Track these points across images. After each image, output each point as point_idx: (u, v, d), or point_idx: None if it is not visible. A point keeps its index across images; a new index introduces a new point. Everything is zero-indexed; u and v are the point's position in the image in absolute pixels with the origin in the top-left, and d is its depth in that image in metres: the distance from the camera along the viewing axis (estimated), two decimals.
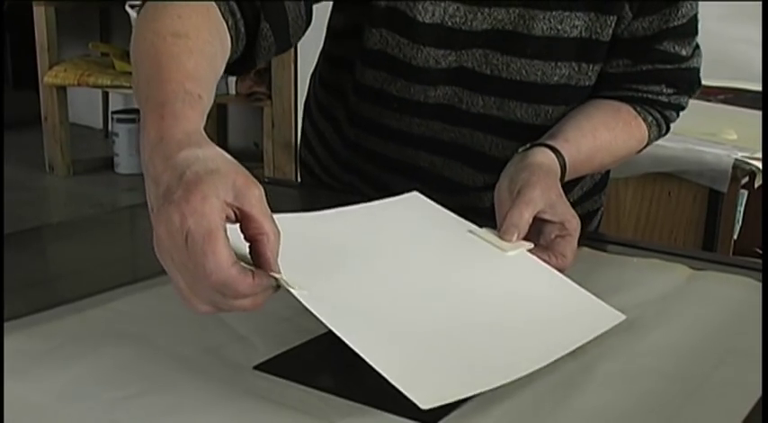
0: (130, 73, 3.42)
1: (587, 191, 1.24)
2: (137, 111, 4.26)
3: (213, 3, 0.87)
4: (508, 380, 0.68)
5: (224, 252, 0.62)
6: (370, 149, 1.19)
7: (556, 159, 1.01)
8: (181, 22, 0.81)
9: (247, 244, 0.67)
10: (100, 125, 4.97)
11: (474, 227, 0.93)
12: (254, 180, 0.66)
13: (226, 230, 0.63)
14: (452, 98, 1.11)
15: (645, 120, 1.13)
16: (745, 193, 2.18)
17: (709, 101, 2.59)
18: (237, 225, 0.66)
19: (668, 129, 1.18)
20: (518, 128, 1.11)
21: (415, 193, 0.94)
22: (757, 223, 2.59)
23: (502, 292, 0.82)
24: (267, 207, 0.66)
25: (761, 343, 0.75)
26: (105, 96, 4.83)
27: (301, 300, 0.66)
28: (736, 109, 2.65)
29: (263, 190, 0.66)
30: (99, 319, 0.80)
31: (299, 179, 1.40)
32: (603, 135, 1.09)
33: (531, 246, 0.91)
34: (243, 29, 0.93)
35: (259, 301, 0.66)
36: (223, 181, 0.64)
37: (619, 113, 1.12)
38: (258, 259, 0.66)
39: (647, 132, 1.14)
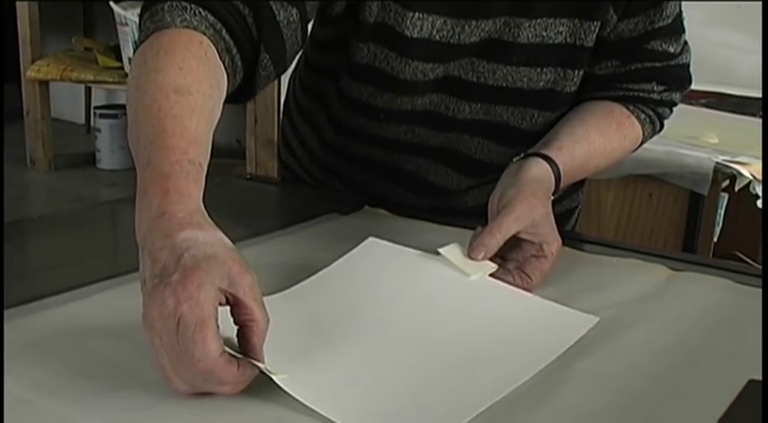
0: (113, 68, 3.39)
1: (566, 190, 1.24)
2: (119, 106, 4.25)
3: (210, 43, 0.87)
4: (495, 399, 0.69)
5: (213, 341, 0.63)
6: (353, 154, 1.19)
7: (550, 170, 1.01)
8: (182, 76, 0.81)
9: (236, 328, 0.68)
10: (82, 120, 4.94)
11: (441, 249, 0.93)
12: (248, 267, 0.68)
13: (217, 319, 0.65)
14: (439, 105, 1.11)
15: (638, 118, 1.14)
16: (726, 196, 2.19)
17: (691, 105, 2.61)
18: (228, 307, 0.67)
19: (662, 126, 1.18)
20: (504, 130, 1.12)
21: (372, 239, 0.95)
22: (737, 226, 2.61)
23: (475, 323, 0.83)
24: (259, 294, 0.68)
25: (761, 341, 0.75)
26: (88, 92, 4.80)
27: (283, 386, 0.67)
28: (718, 113, 2.67)
29: (255, 277, 0.68)
30: (80, 312, 0.80)
31: (279, 177, 1.39)
32: (597, 139, 1.09)
33: (495, 267, 0.92)
34: (240, 63, 0.92)
35: (238, 388, 0.67)
36: (220, 268, 0.66)
37: (612, 115, 1.12)
38: (245, 345, 0.68)
39: (641, 131, 1.15)
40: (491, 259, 0.92)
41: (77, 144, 4.57)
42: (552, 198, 1.01)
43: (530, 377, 0.73)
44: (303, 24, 0.98)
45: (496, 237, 0.91)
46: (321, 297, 0.86)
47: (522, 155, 1.03)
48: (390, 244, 0.94)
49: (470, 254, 0.91)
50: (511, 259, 0.94)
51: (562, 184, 1.03)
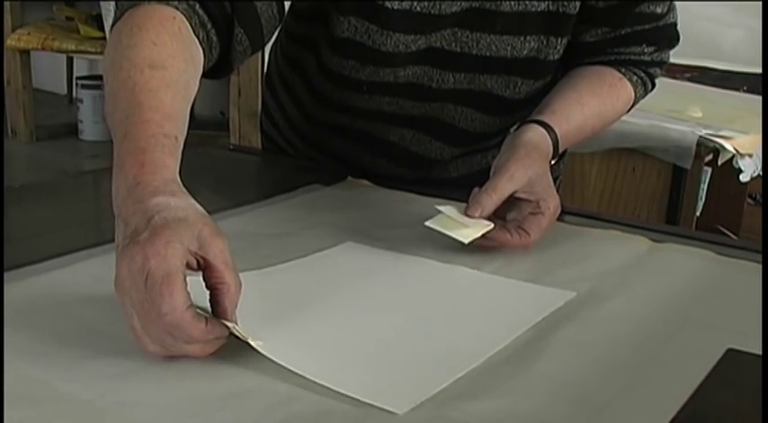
0: (95, 38, 3.37)
1: None
2: (102, 77, 4.22)
3: (183, 19, 0.88)
4: (472, 366, 0.69)
5: (180, 295, 0.64)
6: (335, 125, 1.19)
7: (546, 133, 1.02)
8: (157, 51, 0.82)
9: (208, 293, 0.68)
10: (64, 91, 4.90)
11: (439, 206, 0.94)
12: (220, 231, 0.69)
13: (185, 276, 0.65)
14: (422, 77, 1.10)
15: (630, 80, 1.15)
16: (709, 170, 2.21)
17: (674, 78, 2.62)
18: (202, 278, 0.68)
19: (653, 85, 1.19)
20: (488, 99, 1.12)
21: (349, 243, 0.95)
22: (720, 200, 2.62)
23: (452, 300, 0.84)
24: (231, 258, 0.68)
25: (761, 335, 0.76)
26: (70, 62, 4.77)
27: (257, 348, 0.67)
28: (702, 87, 2.68)
29: (227, 242, 0.68)
30: (62, 280, 0.80)
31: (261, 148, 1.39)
32: (590, 101, 1.10)
33: (492, 226, 0.92)
34: (215, 38, 0.93)
35: (208, 349, 0.67)
36: (189, 229, 0.67)
37: (603, 77, 1.13)
38: (217, 308, 0.68)
39: (632, 92, 1.15)
40: (488, 220, 0.93)
41: (59, 115, 4.55)
42: (552, 162, 1.03)
43: (506, 344, 0.74)
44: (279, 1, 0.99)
45: (492, 196, 0.93)
46: (296, 277, 0.86)
47: (519, 124, 1.04)
48: (367, 247, 0.94)
49: (467, 211, 0.92)
50: (510, 220, 0.95)
51: (561, 147, 1.05)
